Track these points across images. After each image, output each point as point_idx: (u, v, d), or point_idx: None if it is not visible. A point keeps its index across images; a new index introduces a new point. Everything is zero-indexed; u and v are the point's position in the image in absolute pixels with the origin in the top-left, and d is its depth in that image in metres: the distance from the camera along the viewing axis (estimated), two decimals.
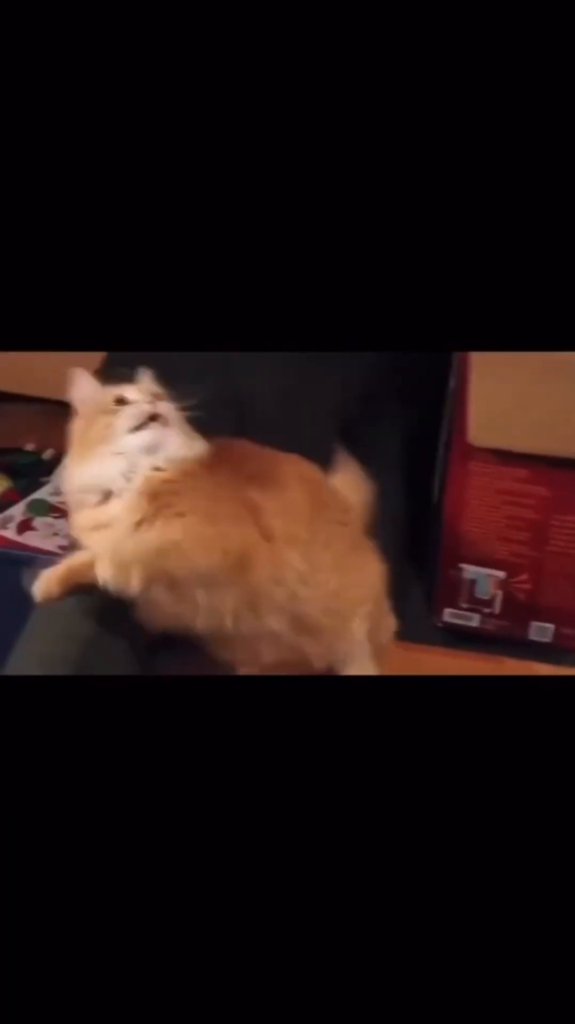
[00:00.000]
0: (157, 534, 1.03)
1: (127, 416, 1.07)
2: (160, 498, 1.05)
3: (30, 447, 1.86)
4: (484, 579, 1.40)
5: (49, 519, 1.71)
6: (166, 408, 1.09)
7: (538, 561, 1.36)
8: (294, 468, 1.17)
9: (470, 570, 1.40)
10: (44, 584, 1.07)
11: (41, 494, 1.75)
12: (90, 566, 1.05)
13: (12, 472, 1.78)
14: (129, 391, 1.11)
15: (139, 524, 1.04)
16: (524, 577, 1.38)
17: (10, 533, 1.67)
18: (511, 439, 1.30)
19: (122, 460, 1.07)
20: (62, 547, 1.66)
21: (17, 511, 1.71)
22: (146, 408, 1.08)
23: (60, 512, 1.72)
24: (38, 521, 1.70)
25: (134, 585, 1.01)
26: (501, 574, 1.39)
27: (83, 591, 1.07)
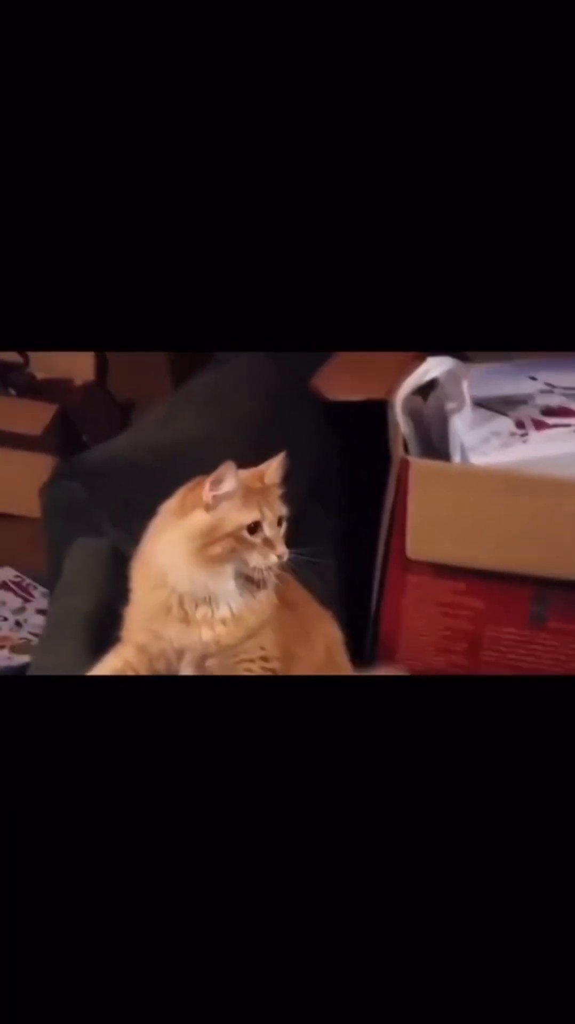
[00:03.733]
0: None
1: (257, 557, 1.05)
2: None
3: None
4: None
5: None
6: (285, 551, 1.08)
7: (472, 671, 1.41)
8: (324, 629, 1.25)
9: None
10: None
11: None
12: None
13: None
14: (266, 518, 1.06)
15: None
16: None
17: None
18: (448, 553, 1.36)
19: (241, 582, 1.07)
20: None
21: None
22: (273, 561, 1.06)
23: None
24: None
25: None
26: None
27: None
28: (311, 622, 1.23)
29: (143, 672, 1.11)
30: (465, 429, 1.40)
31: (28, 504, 1.63)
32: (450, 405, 1.46)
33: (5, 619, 1.70)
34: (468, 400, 1.43)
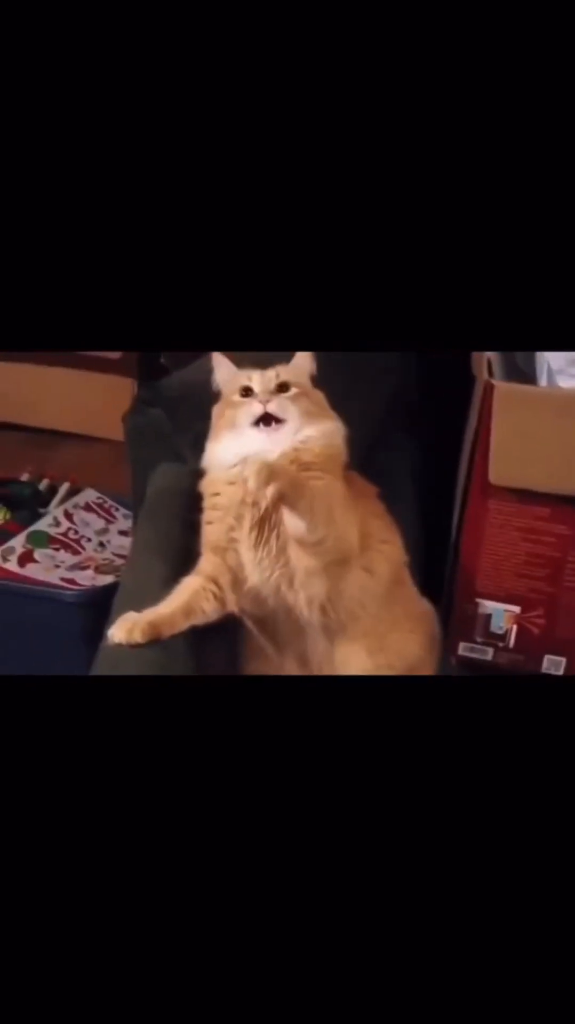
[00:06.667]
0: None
1: (244, 413, 1.14)
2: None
3: (25, 477, 1.84)
4: (500, 614, 1.43)
5: (50, 551, 1.69)
6: (280, 406, 1.14)
7: (554, 596, 1.40)
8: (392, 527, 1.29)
9: (486, 605, 1.43)
10: (130, 627, 1.06)
11: (40, 525, 1.73)
12: (181, 615, 1.09)
13: (11, 503, 1.76)
14: (255, 380, 1.17)
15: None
16: (539, 612, 1.42)
17: (12, 565, 1.64)
18: (531, 479, 1.34)
19: (243, 446, 1.14)
20: (65, 580, 1.65)
21: (17, 543, 1.68)
22: (257, 409, 1.13)
23: (60, 544, 1.71)
24: (39, 553, 1.68)
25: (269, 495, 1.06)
26: (516, 609, 1.43)
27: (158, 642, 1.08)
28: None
29: (226, 595, 1.13)
30: (552, 352, 1.37)
31: (109, 426, 1.66)
32: None
33: (89, 540, 1.73)
34: None
